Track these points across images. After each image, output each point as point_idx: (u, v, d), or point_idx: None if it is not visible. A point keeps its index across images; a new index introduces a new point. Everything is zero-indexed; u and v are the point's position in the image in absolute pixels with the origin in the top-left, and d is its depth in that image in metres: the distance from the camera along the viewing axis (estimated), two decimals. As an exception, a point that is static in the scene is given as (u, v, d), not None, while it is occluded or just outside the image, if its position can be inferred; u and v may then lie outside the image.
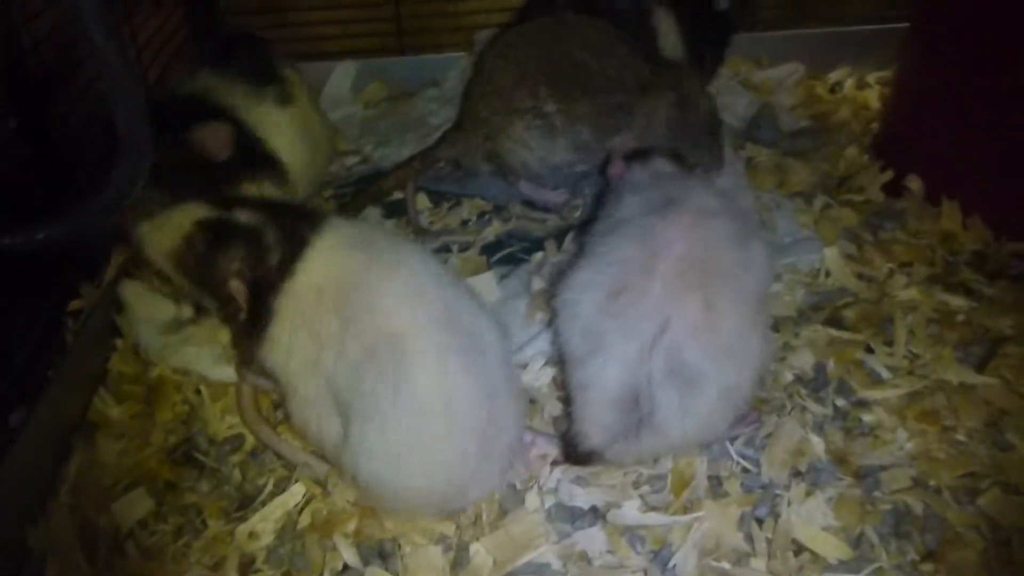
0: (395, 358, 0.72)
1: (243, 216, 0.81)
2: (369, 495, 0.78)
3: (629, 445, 0.78)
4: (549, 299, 0.87)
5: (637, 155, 0.99)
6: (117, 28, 0.58)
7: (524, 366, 0.94)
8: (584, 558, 0.77)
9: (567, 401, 0.90)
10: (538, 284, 1.05)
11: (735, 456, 0.84)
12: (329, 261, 0.78)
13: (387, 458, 0.74)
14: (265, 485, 0.85)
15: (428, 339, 0.73)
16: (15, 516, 0.81)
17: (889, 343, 0.96)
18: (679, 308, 0.76)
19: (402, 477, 0.75)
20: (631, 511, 0.80)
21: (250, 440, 0.90)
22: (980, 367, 0.93)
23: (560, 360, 0.85)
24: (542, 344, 0.96)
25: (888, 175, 1.23)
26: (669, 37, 1.28)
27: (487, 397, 0.75)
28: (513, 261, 1.12)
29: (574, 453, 0.81)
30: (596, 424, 0.78)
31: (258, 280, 0.79)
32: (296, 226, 0.80)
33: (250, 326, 0.80)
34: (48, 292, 1.02)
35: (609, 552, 0.77)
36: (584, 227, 0.98)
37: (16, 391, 0.89)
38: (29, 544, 0.80)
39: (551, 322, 0.86)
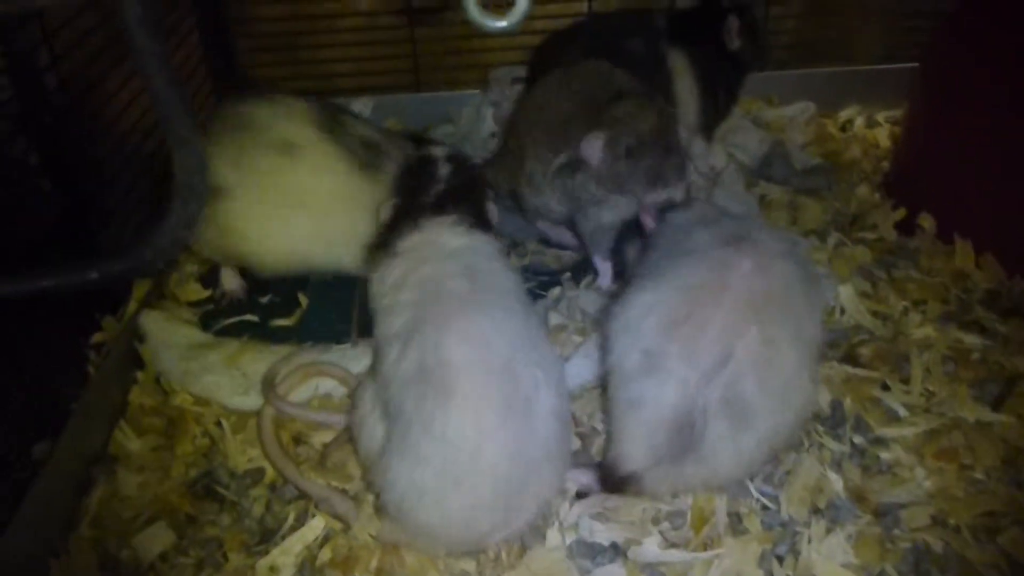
0: (441, 388, 0.73)
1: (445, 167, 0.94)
2: (390, 524, 0.79)
3: (669, 471, 0.78)
4: (602, 317, 0.88)
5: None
6: (176, 72, 0.59)
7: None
8: (605, 595, 0.77)
9: (585, 437, 0.91)
10: (555, 319, 1.06)
11: (755, 493, 0.85)
12: (432, 251, 0.84)
13: (408, 491, 0.74)
14: (286, 519, 0.85)
15: (476, 386, 0.73)
16: (38, 548, 0.82)
17: (905, 381, 0.97)
18: (742, 340, 0.76)
19: (419, 513, 0.75)
20: (651, 548, 0.80)
21: (270, 473, 0.90)
22: (996, 405, 0.93)
23: (605, 380, 0.84)
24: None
25: (900, 213, 1.25)
26: (684, 79, 1.30)
27: (519, 458, 0.74)
28: (530, 296, 1.13)
29: (612, 477, 0.81)
30: (643, 444, 0.78)
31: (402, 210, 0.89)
32: (451, 199, 0.90)
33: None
34: (70, 326, 1.03)
35: (631, 591, 0.77)
36: (643, 253, 0.98)
37: (39, 424, 0.90)
38: (51, 577, 0.80)
39: (602, 338, 0.86)
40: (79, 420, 0.91)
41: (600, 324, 0.90)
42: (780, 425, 0.78)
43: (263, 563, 0.81)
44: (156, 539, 0.84)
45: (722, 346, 0.76)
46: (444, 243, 0.85)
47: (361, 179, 1.04)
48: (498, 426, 0.73)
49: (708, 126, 1.36)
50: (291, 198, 1.02)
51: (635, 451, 0.78)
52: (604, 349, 0.85)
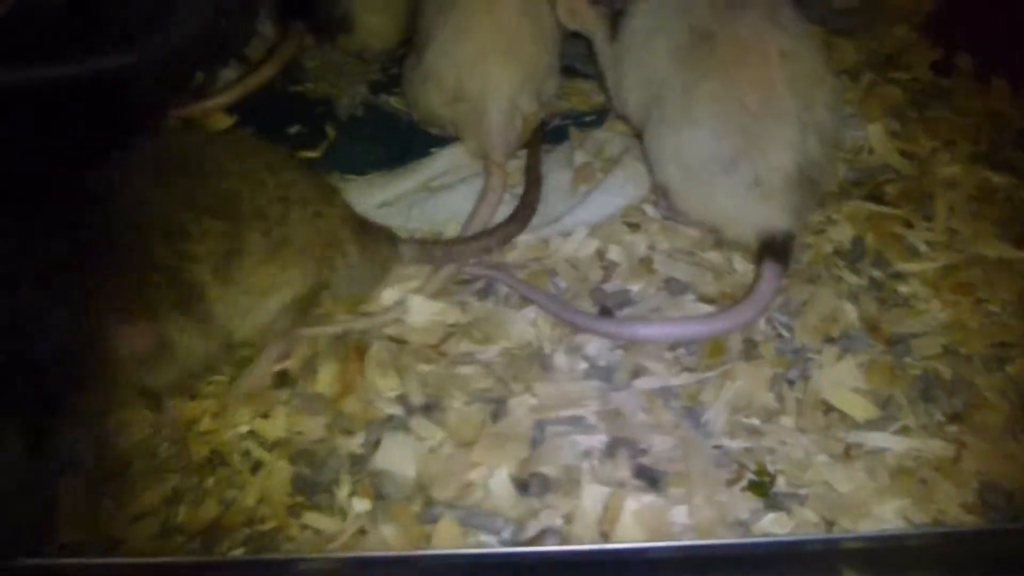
0: None
1: None
2: None
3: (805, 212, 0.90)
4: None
5: None
6: None
7: (567, 235, 0.96)
8: (619, 414, 0.80)
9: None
10: (580, 158, 1.06)
11: (769, 321, 0.87)
12: None
13: None
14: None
15: None
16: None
17: (929, 219, 0.97)
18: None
19: None
20: (664, 371, 0.83)
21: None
22: (1019, 242, 0.93)
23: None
24: (584, 215, 0.97)
25: (937, 53, 1.21)
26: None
27: None
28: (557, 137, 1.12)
29: (780, 249, 0.86)
30: (786, 208, 0.86)
31: None
32: None
33: None
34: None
35: (643, 411, 0.80)
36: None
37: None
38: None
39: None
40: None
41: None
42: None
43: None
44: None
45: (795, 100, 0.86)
46: None
47: None
48: None
49: None
50: None
51: (780, 213, 0.86)
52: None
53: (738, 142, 0.85)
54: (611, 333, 0.85)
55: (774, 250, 0.85)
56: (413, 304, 0.88)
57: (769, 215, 0.86)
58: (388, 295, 0.91)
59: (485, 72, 1.01)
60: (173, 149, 0.85)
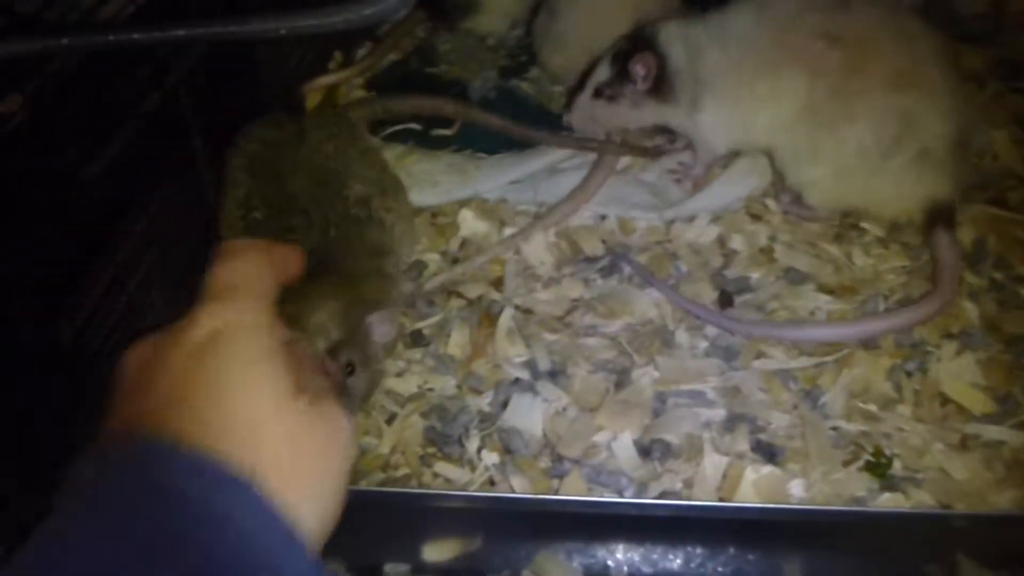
0: None
1: None
2: None
3: None
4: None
5: None
6: None
7: (690, 221, 1.00)
8: (738, 391, 0.83)
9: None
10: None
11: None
12: None
13: None
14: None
15: None
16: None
17: (1053, 225, 0.98)
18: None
19: None
20: (783, 354, 0.85)
21: (431, 267, 0.98)
22: None
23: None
24: (706, 202, 1.01)
25: (1067, 63, 1.21)
26: None
27: None
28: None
29: (947, 213, 0.92)
30: (949, 175, 0.91)
31: None
32: None
33: None
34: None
35: (761, 390, 0.83)
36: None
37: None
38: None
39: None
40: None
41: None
42: None
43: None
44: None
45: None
46: None
47: None
48: None
49: None
50: None
51: (946, 181, 0.91)
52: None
53: (899, 122, 0.88)
54: (816, 336, 0.87)
55: (943, 219, 0.91)
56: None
57: (935, 185, 0.90)
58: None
59: (609, 40, 1.03)
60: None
